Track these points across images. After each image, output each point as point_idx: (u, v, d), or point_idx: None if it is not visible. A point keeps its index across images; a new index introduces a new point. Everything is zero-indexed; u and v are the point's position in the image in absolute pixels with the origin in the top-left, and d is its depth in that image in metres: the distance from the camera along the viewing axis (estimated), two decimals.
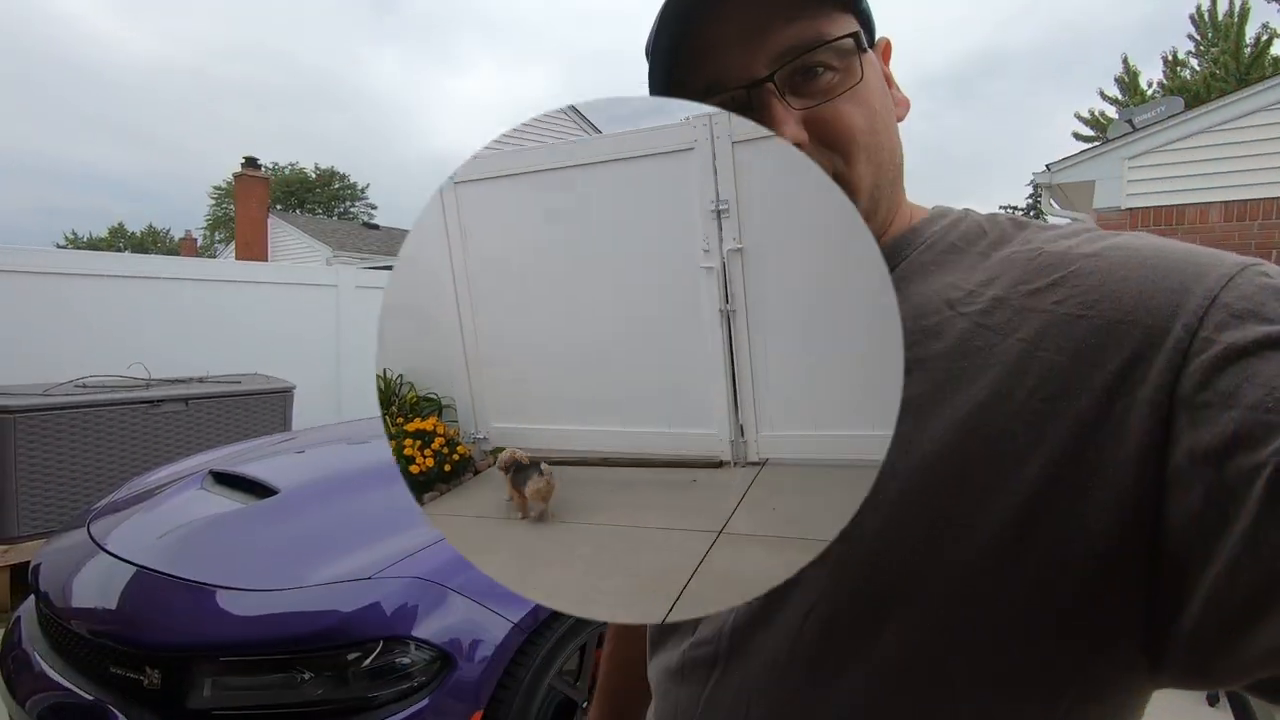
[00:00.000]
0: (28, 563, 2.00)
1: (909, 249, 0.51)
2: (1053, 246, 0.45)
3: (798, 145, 0.45)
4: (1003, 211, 0.54)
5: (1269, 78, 5.04)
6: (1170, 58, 18.39)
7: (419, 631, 1.41)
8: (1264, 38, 16.19)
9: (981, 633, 0.39)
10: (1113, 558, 0.36)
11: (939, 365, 0.44)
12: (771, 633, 0.47)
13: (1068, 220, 6.24)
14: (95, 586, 1.61)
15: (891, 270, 0.49)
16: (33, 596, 1.76)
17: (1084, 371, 0.38)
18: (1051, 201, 5.94)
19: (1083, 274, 0.41)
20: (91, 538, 1.79)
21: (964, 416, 0.41)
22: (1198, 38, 17.79)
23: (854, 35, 0.46)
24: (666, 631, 0.58)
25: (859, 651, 0.43)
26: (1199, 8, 17.64)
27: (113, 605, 1.54)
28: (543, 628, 1.57)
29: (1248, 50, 16.23)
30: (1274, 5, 16.02)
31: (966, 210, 0.54)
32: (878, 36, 0.52)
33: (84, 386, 3.31)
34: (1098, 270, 0.41)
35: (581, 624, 1.65)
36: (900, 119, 0.52)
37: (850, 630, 0.43)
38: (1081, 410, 0.37)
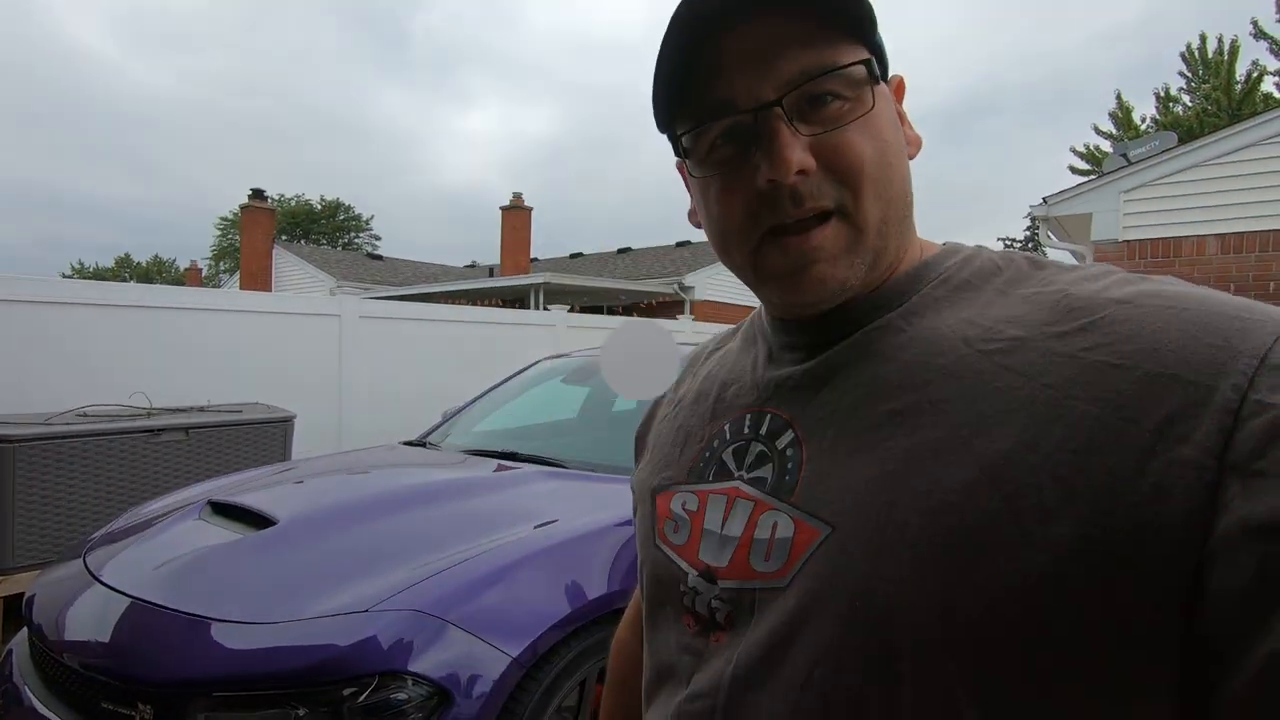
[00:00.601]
0: (23, 594, 1.97)
1: (921, 283, 0.49)
2: (1078, 289, 0.43)
3: (803, 171, 0.44)
4: (1016, 250, 0.53)
5: (1260, 113, 5.12)
6: (1163, 94, 18.71)
7: (416, 666, 1.38)
8: (1254, 75, 16.48)
9: (1003, 690, 0.37)
10: (1145, 624, 0.34)
11: (957, 407, 0.41)
12: (774, 687, 0.44)
13: (1073, 258, 6.27)
14: (88, 619, 1.59)
15: (902, 305, 0.48)
16: (26, 629, 1.74)
17: (1118, 425, 0.36)
18: (1049, 234, 5.99)
19: (1115, 321, 0.39)
20: (87, 568, 1.77)
21: (987, 465, 0.38)
22: (1189, 75, 18.12)
23: (865, 63, 0.45)
24: (661, 682, 0.54)
25: (870, 705, 0.40)
26: (1189, 46, 18.00)
27: (106, 638, 1.52)
28: (541, 663, 1.55)
29: (1239, 87, 16.51)
30: (1263, 43, 16.33)
31: (980, 247, 0.53)
32: (891, 74, 0.51)
33: (85, 415, 3.30)
34: (1132, 318, 0.39)
35: (581, 659, 1.62)
36: (912, 157, 0.51)
37: (861, 681, 0.41)
38: (1114, 466, 0.35)
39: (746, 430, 0.53)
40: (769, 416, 0.51)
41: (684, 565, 0.53)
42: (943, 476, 0.39)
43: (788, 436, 0.49)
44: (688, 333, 8.63)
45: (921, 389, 0.43)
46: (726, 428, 0.55)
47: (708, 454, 0.55)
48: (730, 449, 0.53)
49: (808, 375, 0.50)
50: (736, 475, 0.52)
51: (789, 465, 0.48)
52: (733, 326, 0.69)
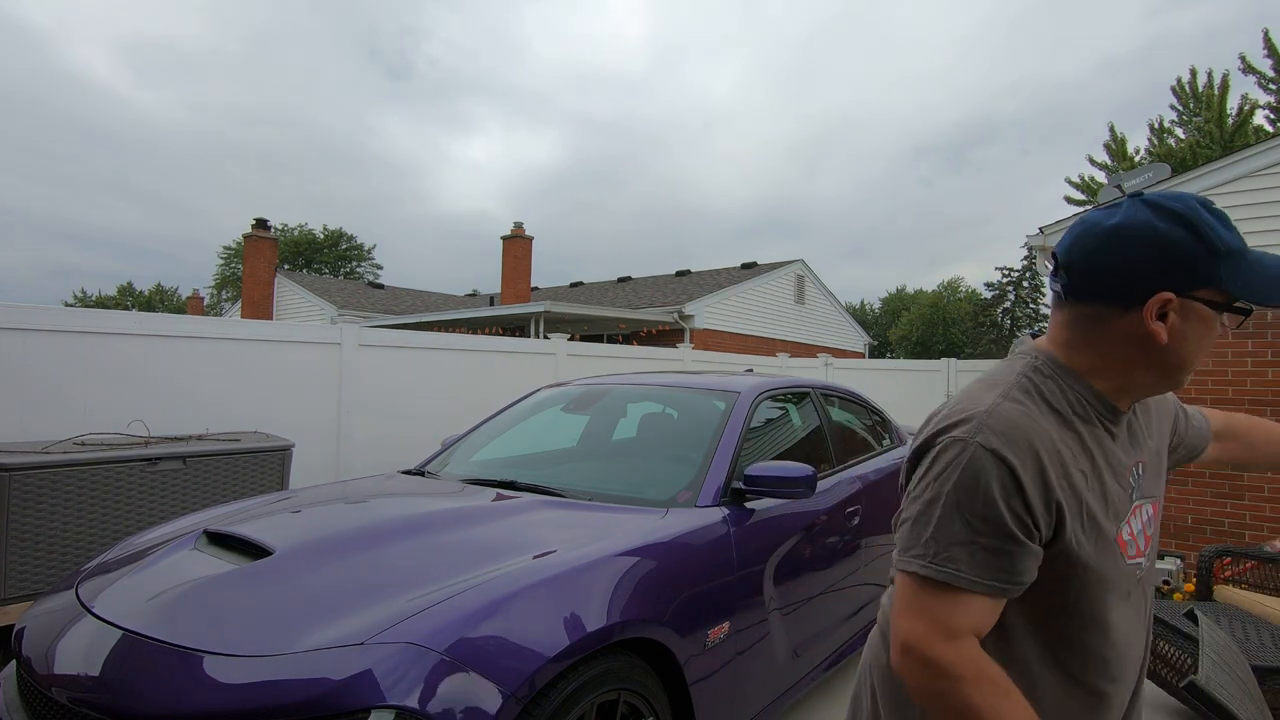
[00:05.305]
0: (13, 626, 1.94)
1: None
2: None
3: None
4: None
5: (1252, 144, 5.19)
6: (1157, 125, 19.00)
7: (410, 701, 1.36)
8: (1245, 108, 16.75)
9: None
10: None
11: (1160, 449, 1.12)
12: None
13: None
14: (78, 652, 1.56)
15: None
16: (14, 662, 1.71)
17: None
18: (1046, 263, 6.03)
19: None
20: (79, 600, 1.75)
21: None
22: (1180, 108, 18.42)
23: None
24: (1131, 636, 1.00)
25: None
26: (1179, 80, 18.34)
27: (95, 672, 1.49)
28: (539, 697, 1.52)
29: (1230, 119, 16.76)
30: (1252, 77, 16.62)
31: None
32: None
33: (83, 444, 3.29)
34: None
35: (580, 693, 1.59)
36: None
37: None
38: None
39: (1133, 478, 0.99)
40: (1140, 464, 1.00)
41: (1134, 562, 0.97)
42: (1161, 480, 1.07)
43: (1139, 469, 1.00)
44: (687, 361, 8.63)
45: (1155, 443, 1.06)
46: (1131, 478, 0.98)
47: (1132, 495, 0.99)
48: (1135, 489, 0.99)
49: (1134, 438, 1.01)
50: (1135, 499, 0.99)
51: (1139, 483, 1.00)
52: (1024, 394, 0.92)
